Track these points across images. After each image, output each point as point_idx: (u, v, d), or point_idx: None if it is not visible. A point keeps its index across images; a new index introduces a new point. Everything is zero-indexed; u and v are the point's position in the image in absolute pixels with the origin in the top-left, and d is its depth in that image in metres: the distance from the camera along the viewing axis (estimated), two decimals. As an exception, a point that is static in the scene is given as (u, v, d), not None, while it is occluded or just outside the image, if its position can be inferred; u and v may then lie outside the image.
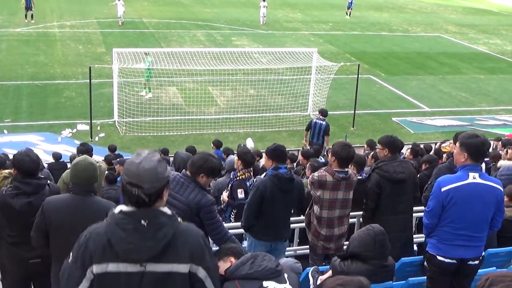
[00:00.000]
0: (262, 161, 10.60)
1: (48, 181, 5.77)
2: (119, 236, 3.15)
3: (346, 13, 41.75)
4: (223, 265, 4.39)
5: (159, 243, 3.16)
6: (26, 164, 5.55)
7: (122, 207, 3.25)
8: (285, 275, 4.13)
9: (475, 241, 5.49)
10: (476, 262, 5.54)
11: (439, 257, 5.56)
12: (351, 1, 41.77)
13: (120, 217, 3.20)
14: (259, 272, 4.06)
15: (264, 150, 6.93)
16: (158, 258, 3.19)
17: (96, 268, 3.17)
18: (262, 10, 37.20)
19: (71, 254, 3.31)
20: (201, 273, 3.32)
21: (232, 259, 4.47)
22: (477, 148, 5.32)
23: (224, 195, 7.89)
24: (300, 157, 11.82)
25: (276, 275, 4.07)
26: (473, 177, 5.32)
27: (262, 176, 7.01)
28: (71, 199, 5.10)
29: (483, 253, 5.64)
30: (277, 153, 6.64)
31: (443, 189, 5.38)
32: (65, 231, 4.95)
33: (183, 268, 3.26)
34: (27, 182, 5.53)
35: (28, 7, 32.70)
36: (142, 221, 3.16)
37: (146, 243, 3.14)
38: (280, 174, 6.52)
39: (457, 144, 5.47)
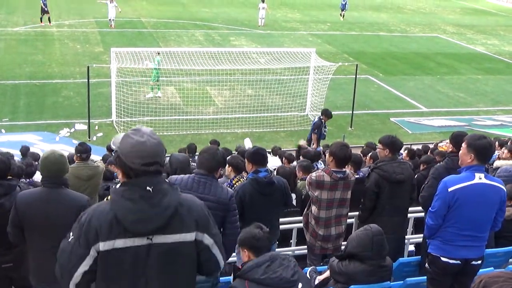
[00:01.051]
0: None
1: (18, 183, 5.77)
2: (126, 208, 3.12)
3: (340, 15, 41.00)
4: (243, 256, 4.32)
5: (166, 211, 3.16)
6: None
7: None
8: (300, 285, 4.03)
9: (478, 241, 5.52)
10: (479, 262, 5.57)
11: (443, 258, 5.55)
12: (345, 3, 40.83)
13: (124, 188, 3.18)
14: (271, 280, 3.97)
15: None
16: (164, 229, 3.17)
17: (103, 246, 3.13)
18: (261, 12, 36.59)
19: (70, 234, 3.24)
20: (207, 240, 3.34)
21: (247, 252, 4.34)
22: (484, 150, 5.36)
23: None
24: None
25: (289, 286, 3.97)
26: (479, 178, 5.34)
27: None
28: (43, 192, 5.15)
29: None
30: (257, 157, 6.56)
31: (450, 189, 5.37)
32: (38, 223, 5.02)
33: (189, 236, 3.27)
34: None
35: (44, 11, 31.99)
36: (148, 187, 3.15)
37: (153, 211, 3.12)
38: (259, 178, 6.43)
39: (464, 145, 5.45)
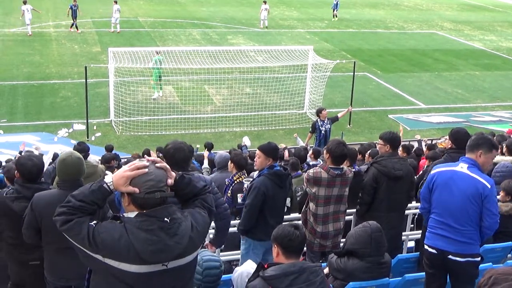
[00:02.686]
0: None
1: (50, 187, 5.79)
2: (144, 239, 3.12)
3: (333, 15, 39.98)
4: (274, 251, 4.26)
5: (183, 239, 3.22)
6: (28, 168, 5.57)
7: (134, 213, 3.24)
8: None
9: (458, 235, 5.45)
10: (459, 259, 5.46)
11: (425, 246, 5.67)
12: (336, 3, 39.86)
13: (141, 219, 3.18)
14: None
15: (259, 149, 6.84)
16: (182, 256, 3.26)
17: (117, 264, 3.13)
18: (263, 13, 35.57)
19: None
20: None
21: (277, 248, 4.24)
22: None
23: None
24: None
25: None
26: (461, 167, 5.44)
27: (255, 176, 6.97)
28: (60, 195, 5.11)
29: (476, 258, 5.52)
30: (276, 152, 6.74)
31: (432, 172, 5.63)
32: (56, 226, 5.00)
33: (197, 253, 3.44)
34: (27, 186, 5.57)
35: (74, 17, 31.40)
36: (166, 218, 3.20)
37: (171, 240, 3.18)
38: (279, 171, 6.61)
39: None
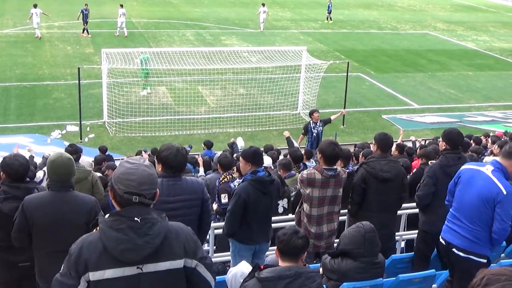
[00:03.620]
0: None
1: (37, 186, 5.75)
2: (114, 238, 3.14)
3: (327, 18, 39.62)
4: (276, 252, 4.27)
5: (155, 239, 3.18)
6: (15, 168, 5.53)
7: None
8: None
9: (465, 231, 5.54)
10: (462, 254, 5.59)
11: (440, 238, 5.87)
12: (329, 5, 39.46)
13: (112, 219, 3.21)
14: None
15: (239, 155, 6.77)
16: (154, 257, 3.21)
17: (92, 276, 3.15)
18: (262, 16, 34.87)
19: (62, 266, 3.27)
20: (196, 265, 3.39)
21: (277, 252, 4.26)
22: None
23: (214, 206, 7.91)
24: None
25: None
26: (487, 168, 5.47)
27: (240, 182, 6.92)
28: (51, 196, 5.11)
29: (480, 258, 5.56)
30: (256, 157, 6.52)
31: (462, 167, 5.77)
32: (47, 227, 4.98)
33: (178, 263, 3.31)
34: (16, 186, 5.53)
35: (85, 21, 30.93)
36: (136, 218, 3.18)
37: (142, 240, 3.15)
38: (261, 177, 6.41)
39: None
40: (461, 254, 5.59)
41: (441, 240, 5.82)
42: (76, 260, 3.17)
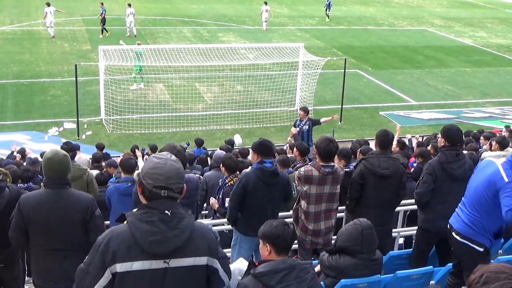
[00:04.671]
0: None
1: (8, 184, 5.67)
2: (145, 229, 3.19)
3: (326, 15, 39.29)
4: (263, 248, 4.26)
5: (183, 233, 3.25)
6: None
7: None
8: None
9: (464, 215, 5.57)
10: (458, 237, 5.60)
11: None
12: (329, 3, 39.01)
13: (142, 212, 3.27)
14: None
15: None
16: (181, 252, 3.26)
17: (120, 267, 3.19)
18: (264, 15, 34.23)
19: (87, 257, 3.32)
20: (217, 265, 3.47)
21: (268, 247, 4.25)
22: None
23: (213, 200, 7.89)
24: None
25: None
26: (500, 160, 5.46)
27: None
28: (47, 194, 5.08)
29: (476, 245, 5.54)
30: (263, 148, 6.67)
31: (482, 156, 5.83)
32: (44, 225, 4.97)
33: (202, 260, 3.38)
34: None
35: (104, 21, 30.49)
36: (166, 211, 3.25)
37: (171, 233, 3.22)
38: (264, 167, 6.57)
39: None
40: (458, 238, 5.61)
41: (448, 225, 5.86)
42: (104, 250, 3.21)
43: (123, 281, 3.21)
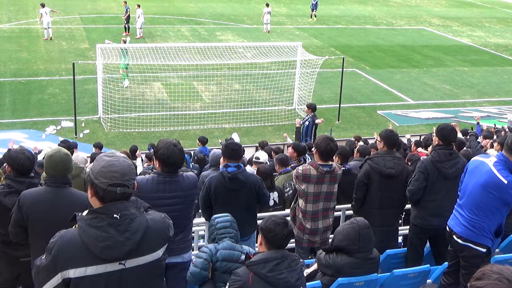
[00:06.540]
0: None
1: (41, 181, 5.71)
2: (94, 235, 3.13)
3: (311, 16, 38.57)
4: (259, 239, 4.36)
5: (135, 235, 3.19)
6: (20, 162, 5.48)
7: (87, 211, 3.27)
8: None
9: (463, 219, 5.61)
10: (460, 241, 5.65)
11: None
12: (315, 3, 38.47)
13: (91, 217, 3.20)
14: (276, 280, 4.11)
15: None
16: (136, 252, 3.21)
17: (73, 273, 3.14)
18: (266, 17, 33.70)
19: (43, 256, 3.28)
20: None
21: (261, 239, 4.36)
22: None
23: None
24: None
25: None
26: (490, 160, 5.49)
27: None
28: (47, 192, 5.08)
29: (479, 247, 5.59)
30: (227, 151, 6.50)
31: (472, 159, 5.83)
32: (42, 223, 4.96)
33: (160, 252, 3.36)
34: (20, 180, 5.48)
35: (128, 21, 30.21)
36: (115, 215, 3.18)
37: (122, 236, 3.16)
38: (225, 172, 6.39)
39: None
40: (460, 241, 5.67)
41: (447, 227, 5.90)
42: (55, 255, 3.16)
43: (79, 285, 3.16)
